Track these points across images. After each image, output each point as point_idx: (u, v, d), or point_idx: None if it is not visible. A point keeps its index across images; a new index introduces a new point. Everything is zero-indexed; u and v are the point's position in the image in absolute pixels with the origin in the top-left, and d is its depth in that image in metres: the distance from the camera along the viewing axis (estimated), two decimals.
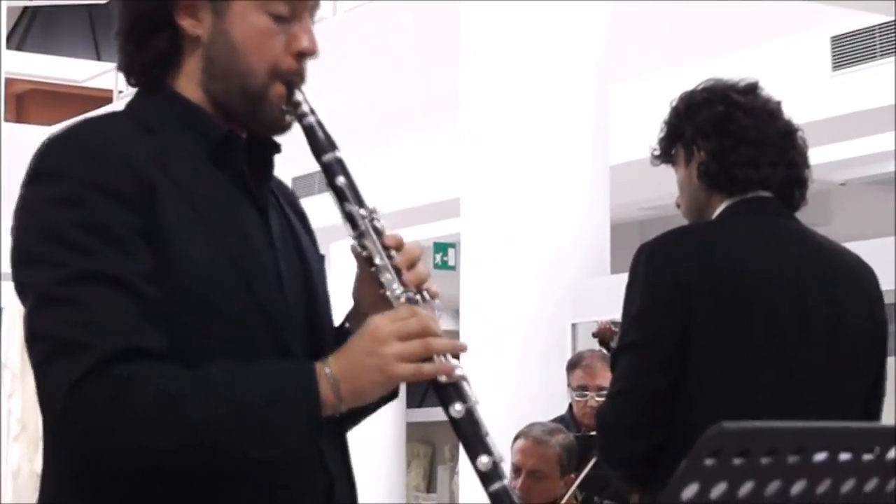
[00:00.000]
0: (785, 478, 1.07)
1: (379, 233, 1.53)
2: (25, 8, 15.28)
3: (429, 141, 9.62)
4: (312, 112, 1.57)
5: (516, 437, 4.00)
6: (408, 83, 8.79)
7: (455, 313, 6.44)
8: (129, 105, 1.60)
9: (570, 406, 4.77)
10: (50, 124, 12.77)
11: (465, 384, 1.47)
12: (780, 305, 2.22)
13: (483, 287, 6.13)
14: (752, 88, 2.36)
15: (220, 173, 1.55)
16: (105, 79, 13.47)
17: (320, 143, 1.56)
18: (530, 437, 3.99)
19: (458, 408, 1.45)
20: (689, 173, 2.35)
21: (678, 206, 2.42)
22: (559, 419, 4.60)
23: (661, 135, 2.39)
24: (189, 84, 1.58)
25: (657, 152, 2.41)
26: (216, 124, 1.57)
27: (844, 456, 1.09)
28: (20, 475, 7.17)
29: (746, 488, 1.06)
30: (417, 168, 9.96)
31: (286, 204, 1.67)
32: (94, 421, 1.39)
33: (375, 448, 11.41)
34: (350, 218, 1.53)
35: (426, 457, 16.21)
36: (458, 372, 1.47)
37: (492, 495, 1.43)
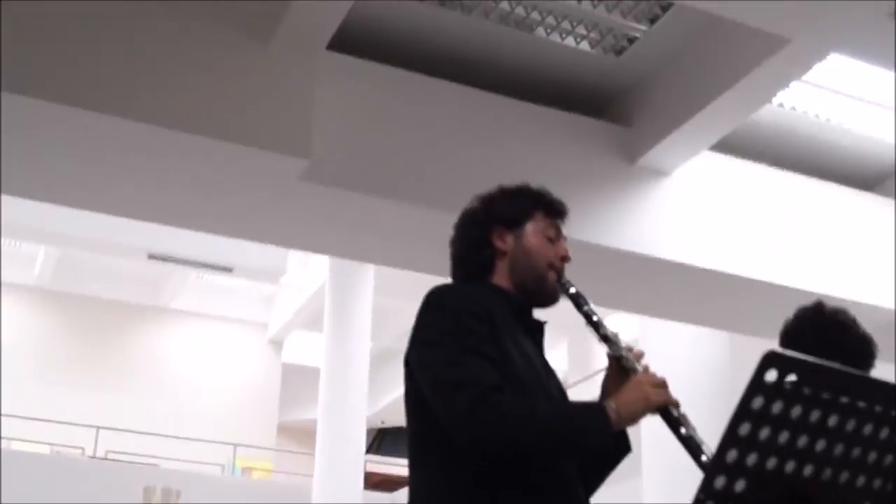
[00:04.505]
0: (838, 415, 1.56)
1: (630, 348, 2.54)
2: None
3: None
4: (574, 286, 2.64)
5: None
6: None
7: None
8: None
9: None
10: None
11: (687, 417, 2.36)
12: None
13: None
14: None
15: (518, 325, 2.57)
16: None
17: (581, 301, 2.60)
18: None
19: (683, 431, 2.33)
20: None
21: None
22: None
23: None
24: (501, 277, 2.66)
25: None
26: (518, 298, 2.64)
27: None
28: None
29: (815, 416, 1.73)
30: None
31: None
32: (485, 427, 2.27)
33: None
34: (606, 339, 2.55)
35: None
36: (682, 409, 2.38)
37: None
